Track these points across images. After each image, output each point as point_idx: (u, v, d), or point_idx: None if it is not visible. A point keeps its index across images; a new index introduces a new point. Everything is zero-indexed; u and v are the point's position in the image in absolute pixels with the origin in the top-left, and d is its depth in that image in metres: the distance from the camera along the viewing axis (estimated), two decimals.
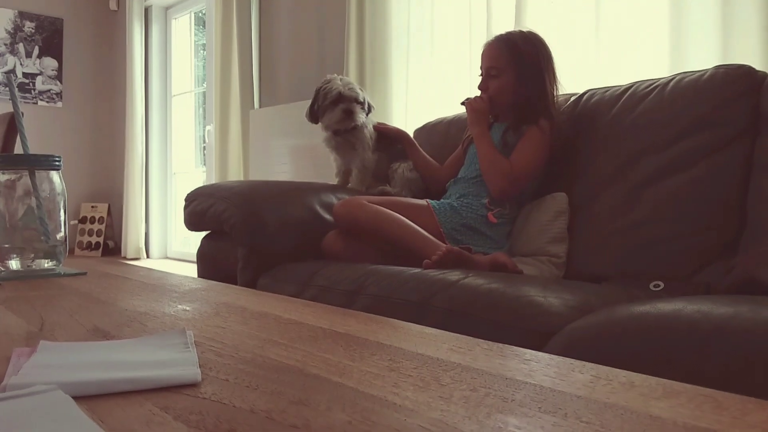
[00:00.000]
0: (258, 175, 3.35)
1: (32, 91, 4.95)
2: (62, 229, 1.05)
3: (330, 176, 2.10)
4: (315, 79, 2.50)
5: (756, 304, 0.76)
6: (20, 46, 4.91)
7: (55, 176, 1.04)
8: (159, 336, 0.56)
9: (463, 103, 1.74)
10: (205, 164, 4.41)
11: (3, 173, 1.01)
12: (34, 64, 4.97)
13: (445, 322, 1.06)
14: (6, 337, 0.56)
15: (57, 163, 1.04)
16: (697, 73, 1.42)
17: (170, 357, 0.48)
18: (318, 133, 2.01)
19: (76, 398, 0.37)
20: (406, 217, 1.52)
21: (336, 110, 1.87)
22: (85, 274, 1.04)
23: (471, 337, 0.56)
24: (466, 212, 1.60)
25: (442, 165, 1.90)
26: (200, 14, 4.82)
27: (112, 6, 5.19)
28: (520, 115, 1.64)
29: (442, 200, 1.69)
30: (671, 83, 1.44)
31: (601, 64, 1.96)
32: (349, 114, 1.87)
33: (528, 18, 2.08)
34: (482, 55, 1.71)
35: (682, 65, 1.68)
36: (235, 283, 1.61)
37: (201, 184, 2.17)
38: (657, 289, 1.27)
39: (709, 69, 1.41)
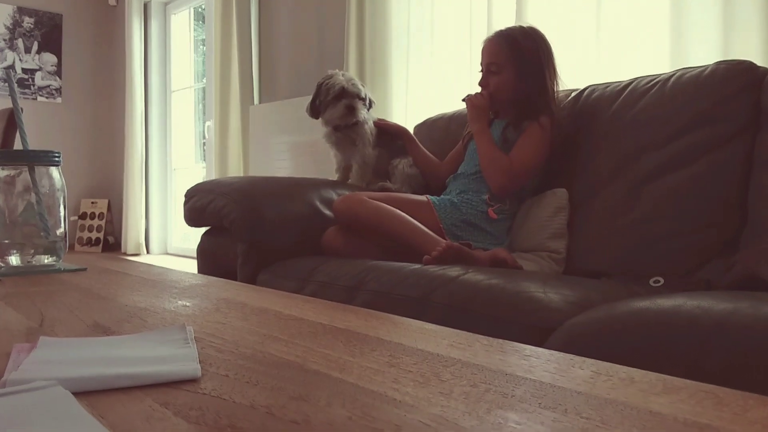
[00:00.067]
0: (258, 171, 3.35)
1: (31, 86, 4.94)
2: (62, 224, 1.05)
3: (330, 172, 2.10)
4: (315, 75, 2.50)
5: (756, 301, 0.76)
6: (19, 42, 4.90)
7: (54, 172, 1.04)
8: (159, 332, 0.56)
9: (463, 100, 1.74)
10: (204, 160, 4.41)
11: (2, 169, 1.00)
12: (33, 60, 4.96)
13: (445, 317, 1.06)
14: (6, 333, 0.56)
15: (56, 158, 1.04)
16: (698, 69, 1.41)
17: (170, 353, 0.48)
18: (318, 129, 2.01)
19: (76, 394, 0.38)
20: (406, 213, 1.52)
21: (338, 106, 1.87)
22: (85, 269, 1.04)
23: (471, 333, 0.56)
24: (466, 208, 1.60)
25: (442, 161, 1.90)
26: (200, 9, 4.81)
27: (111, 1, 5.18)
28: (520, 111, 1.64)
29: (442, 196, 1.69)
30: (672, 79, 1.44)
31: (602, 61, 1.96)
32: (352, 110, 1.86)
33: (529, 15, 2.07)
34: (482, 51, 1.71)
35: (683, 61, 1.67)
36: (235, 279, 1.61)
37: (201, 180, 2.17)
38: (657, 284, 1.27)
39: (710, 65, 1.40)
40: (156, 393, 0.39)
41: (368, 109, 1.93)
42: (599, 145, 1.53)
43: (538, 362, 0.46)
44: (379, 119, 2.01)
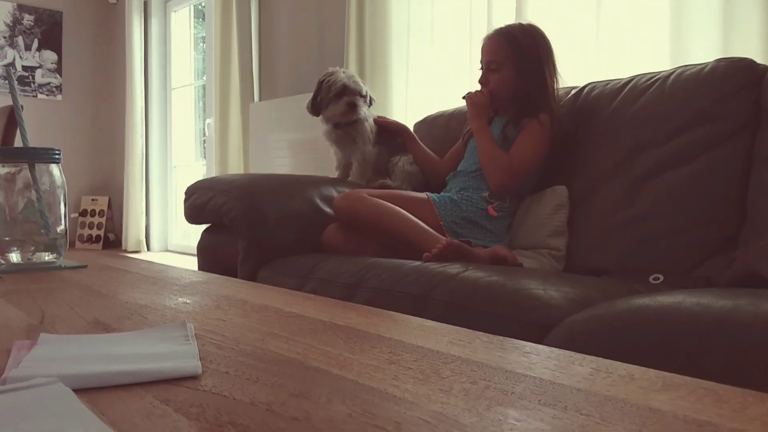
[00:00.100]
0: (258, 168, 3.35)
1: (32, 84, 4.94)
2: (62, 222, 1.05)
3: (330, 169, 2.10)
4: (315, 73, 2.50)
5: (756, 298, 0.76)
6: (19, 39, 4.90)
7: (54, 169, 1.04)
8: (159, 328, 0.56)
9: (463, 97, 1.74)
10: (205, 157, 4.41)
11: (3, 166, 1.00)
12: (34, 57, 4.96)
13: (445, 314, 1.06)
14: (6, 330, 0.56)
15: (57, 156, 1.04)
16: (698, 67, 1.41)
17: (171, 350, 0.48)
18: (318, 126, 2.01)
19: (76, 391, 0.38)
20: (407, 211, 1.52)
21: (340, 103, 1.86)
22: (85, 266, 1.04)
23: (471, 330, 0.56)
24: (466, 205, 1.60)
25: (443, 158, 1.90)
26: (200, 7, 4.80)
27: None
28: (520, 108, 1.64)
29: (442, 193, 1.69)
30: (672, 76, 1.44)
31: (602, 58, 1.96)
32: (353, 107, 1.86)
33: (529, 13, 2.07)
34: (482, 48, 1.71)
35: (683, 59, 1.67)
36: (236, 276, 1.61)
37: (201, 177, 2.17)
38: (657, 281, 1.27)
39: (710, 62, 1.40)
40: (156, 390, 0.39)
41: (369, 107, 1.93)
42: (599, 142, 1.53)
43: (537, 359, 0.46)
44: (379, 116, 2.01)
